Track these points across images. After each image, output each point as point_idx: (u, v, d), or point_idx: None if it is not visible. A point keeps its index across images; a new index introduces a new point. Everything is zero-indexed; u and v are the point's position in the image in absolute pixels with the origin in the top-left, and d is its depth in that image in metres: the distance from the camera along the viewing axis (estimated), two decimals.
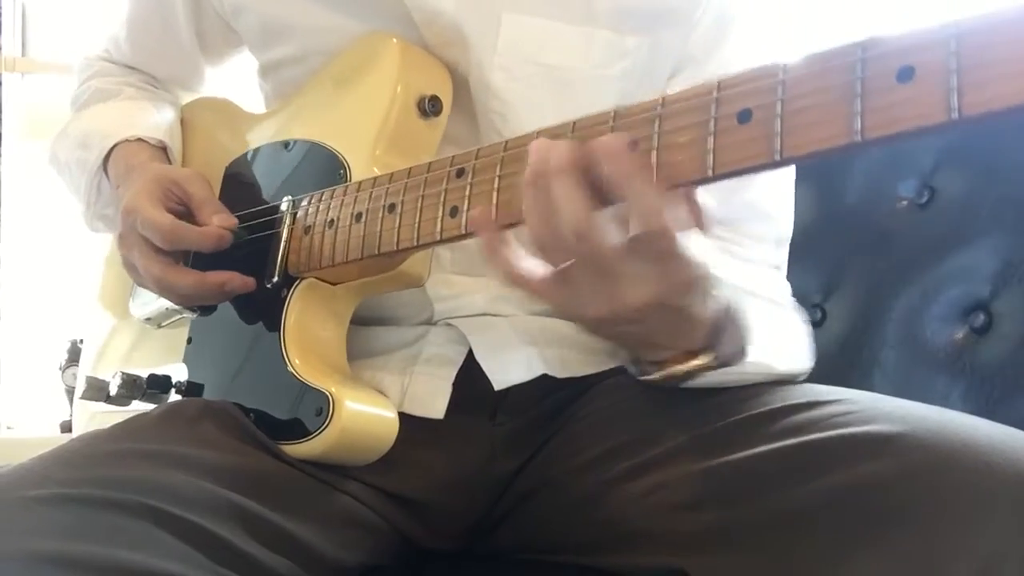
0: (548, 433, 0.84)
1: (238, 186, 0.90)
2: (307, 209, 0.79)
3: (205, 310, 0.87)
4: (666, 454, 0.73)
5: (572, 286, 0.59)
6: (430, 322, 0.84)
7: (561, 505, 0.79)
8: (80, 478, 0.62)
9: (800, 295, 1.17)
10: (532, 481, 0.83)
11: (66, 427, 2.12)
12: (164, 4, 0.97)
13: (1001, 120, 0.43)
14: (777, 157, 0.50)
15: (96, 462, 0.65)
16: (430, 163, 0.69)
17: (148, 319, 0.94)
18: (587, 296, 0.59)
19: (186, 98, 1.06)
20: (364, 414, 0.74)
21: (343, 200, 0.76)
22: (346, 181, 0.79)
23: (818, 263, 1.19)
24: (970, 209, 1.05)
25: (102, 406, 0.89)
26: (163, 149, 0.96)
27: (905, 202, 1.12)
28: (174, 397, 0.86)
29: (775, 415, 0.69)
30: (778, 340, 0.76)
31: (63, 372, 2.03)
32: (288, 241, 0.80)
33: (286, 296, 0.79)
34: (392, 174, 0.72)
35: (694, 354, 0.66)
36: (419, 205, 0.68)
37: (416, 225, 0.68)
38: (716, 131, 0.53)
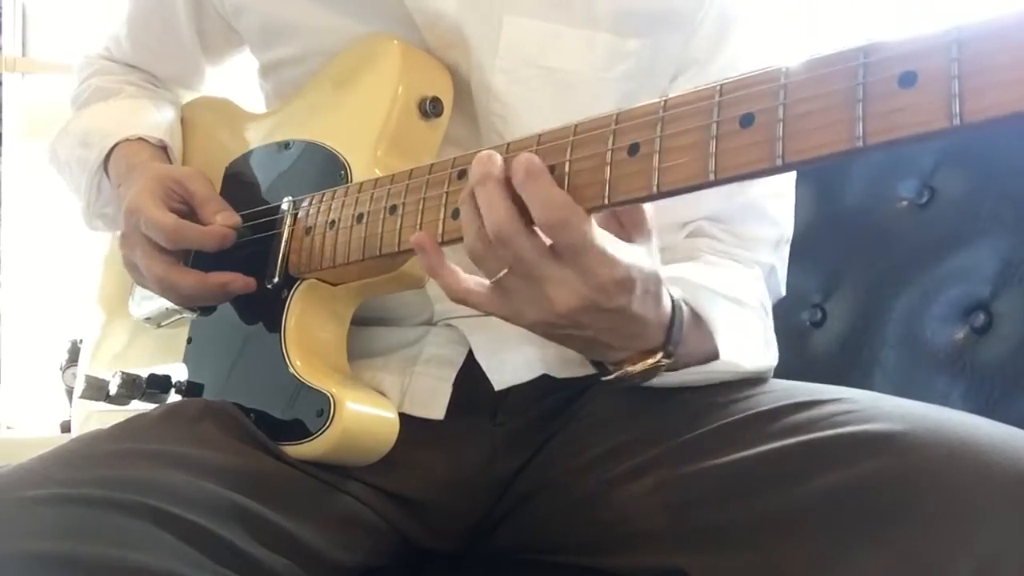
0: (548, 433, 0.84)
1: (238, 186, 0.90)
2: (308, 210, 0.79)
3: (205, 310, 0.87)
4: (666, 454, 0.73)
5: (508, 296, 0.63)
6: (430, 322, 0.84)
7: (561, 505, 0.79)
8: (80, 478, 0.62)
9: (800, 295, 1.17)
10: (532, 481, 0.83)
11: (66, 427, 2.12)
12: (165, 3, 0.97)
13: (1002, 126, 0.43)
14: (779, 162, 0.50)
15: (96, 462, 0.65)
16: (432, 165, 0.69)
17: (148, 319, 0.94)
18: (523, 304, 0.62)
19: (186, 97, 1.06)
20: (365, 415, 0.74)
21: (344, 201, 0.76)
22: (347, 182, 0.78)
23: (818, 263, 1.19)
24: (970, 209, 1.05)
25: (100, 405, 0.89)
26: (163, 148, 0.96)
27: (905, 202, 1.12)
28: (174, 397, 0.86)
29: (775, 414, 0.69)
30: (743, 338, 0.77)
31: (63, 372, 2.02)
32: (289, 242, 0.80)
33: (287, 297, 0.79)
34: (393, 175, 0.72)
35: (649, 353, 0.68)
36: (421, 207, 0.68)
37: (417, 226, 0.68)
38: (718, 135, 0.53)
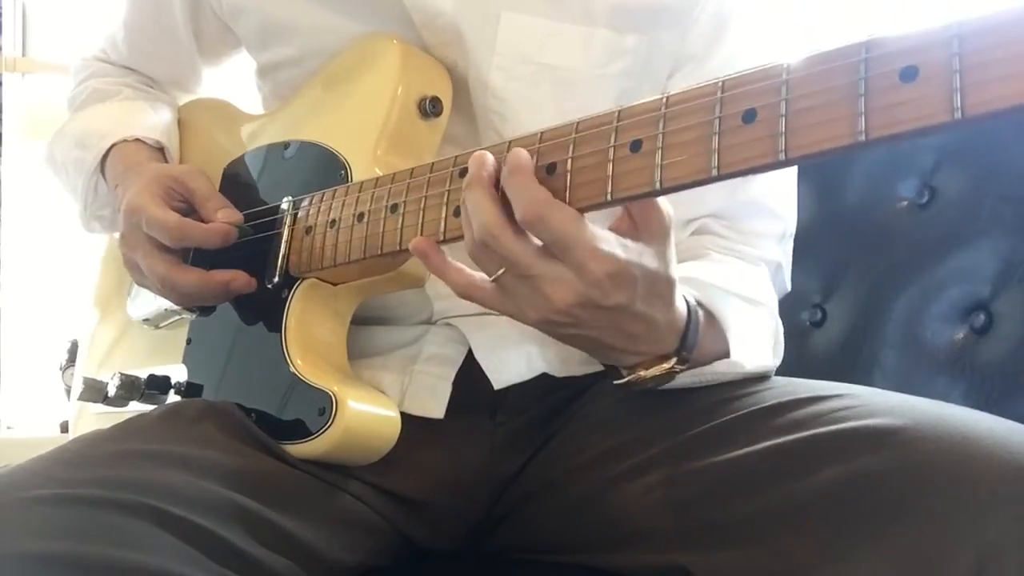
0: (548, 432, 0.84)
1: (237, 187, 0.90)
2: (308, 209, 0.79)
3: (204, 311, 0.87)
4: (666, 452, 0.73)
5: (508, 293, 0.63)
6: (429, 321, 0.84)
7: (562, 504, 0.79)
8: (81, 478, 0.62)
9: (800, 295, 1.17)
10: (533, 481, 0.83)
11: (66, 427, 2.11)
12: (162, 5, 0.97)
13: (1003, 120, 0.43)
14: (782, 157, 0.50)
15: (97, 462, 0.65)
16: (433, 163, 0.69)
17: (146, 320, 0.94)
18: (523, 301, 0.63)
19: (183, 100, 1.06)
20: (367, 414, 0.74)
21: (344, 200, 0.75)
22: (347, 181, 0.78)
23: (818, 263, 1.19)
24: (970, 209, 1.05)
25: (98, 407, 0.89)
26: (161, 150, 0.96)
27: (905, 202, 1.12)
28: (172, 398, 0.86)
29: (775, 411, 0.69)
30: (754, 338, 0.77)
31: (63, 372, 2.02)
32: (289, 241, 0.80)
33: (287, 296, 0.79)
34: (394, 174, 0.72)
35: (664, 358, 0.68)
36: (422, 205, 0.68)
37: (419, 225, 0.68)
38: (721, 131, 0.53)
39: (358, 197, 0.74)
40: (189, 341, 0.88)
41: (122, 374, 0.86)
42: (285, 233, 0.80)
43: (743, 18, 0.84)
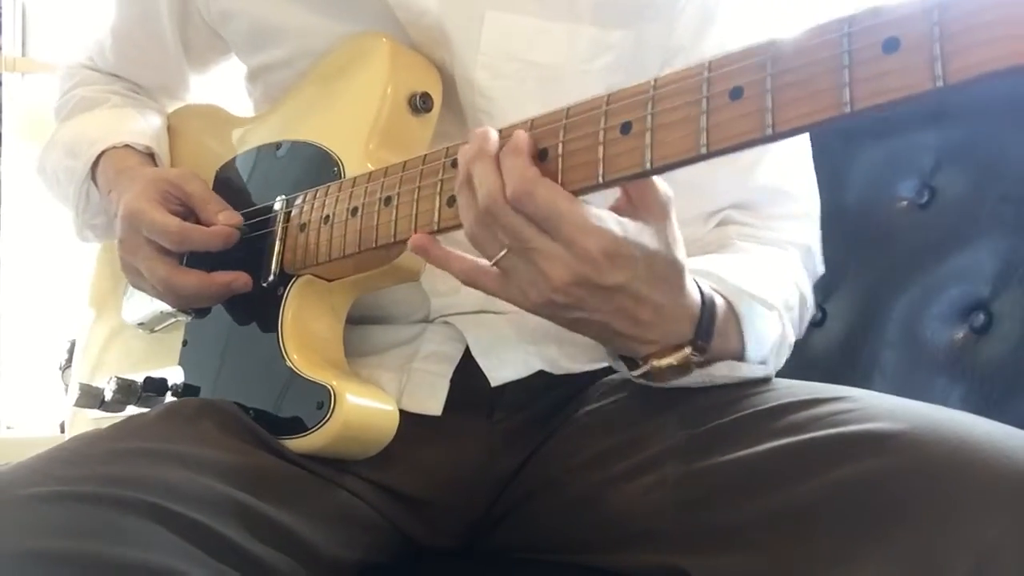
0: (547, 431, 0.84)
1: (230, 189, 0.90)
2: (301, 207, 0.80)
3: (200, 312, 0.87)
4: (665, 453, 0.73)
5: (510, 277, 0.64)
6: (427, 320, 0.84)
7: (561, 504, 0.79)
8: (80, 476, 0.62)
9: None
10: (532, 479, 0.83)
11: (64, 428, 2.12)
12: (150, 12, 0.97)
13: (984, 84, 0.44)
14: (769, 132, 0.51)
15: (95, 460, 0.65)
16: (425, 155, 0.70)
17: (141, 324, 0.94)
18: (525, 284, 0.63)
19: (172, 107, 1.06)
20: (365, 407, 0.75)
21: (338, 196, 0.76)
22: (340, 178, 0.79)
23: None
24: (970, 209, 1.05)
25: (95, 413, 0.89)
26: (151, 155, 0.96)
27: (905, 202, 1.12)
28: (169, 400, 0.86)
29: (774, 413, 0.69)
30: (762, 345, 0.76)
31: (63, 372, 2.03)
32: (283, 239, 0.80)
33: (283, 294, 0.79)
34: (387, 168, 0.72)
35: (678, 348, 0.68)
36: (415, 196, 0.69)
37: (413, 216, 0.69)
38: (709, 109, 0.54)
39: (351, 192, 0.75)
40: (185, 343, 0.88)
41: (118, 378, 0.87)
42: (279, 231, 0.81)
43: (729, 7, 0.84)
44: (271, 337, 0.78)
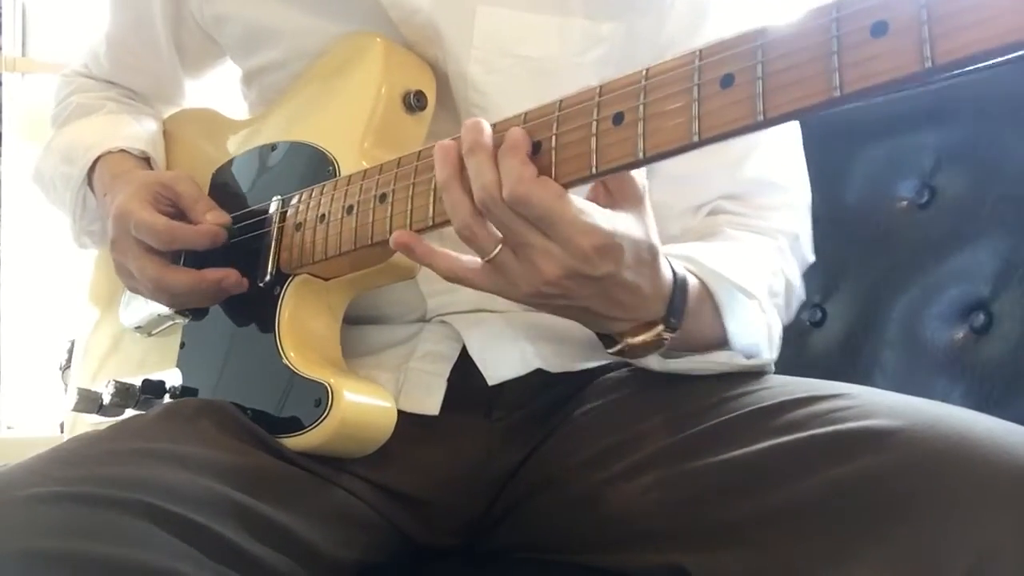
0: (546, 430, 0.84)
1: (226, 191, 0.90)
2: (297, 207, 0.80)
3: (197, 314, 0.87)
4: (664, 451, 0.73)
5: (500, 271, 0.64)
6: (424, 319, 0.84)
7: (560, 503, 0.79)
8: (78, 476, 0.62)
9: None
10: (531, 478, 0.83)
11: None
12: (143, 18, 0.97)
13: (972, 65, 0.45)
14: (760, 118, 0.52)
15: (94, 460, 0.65)
16: (420, 151, 0.70)
17: (138, 327, 0.94)
18: (516, 276, 0.64)
19: (167, 112, 1.06)
20: (363, 404, 0.75)
21: (333, 195, 0.76)
22: (336, 177, 0.79)
23: (818, 263, 1.18)
24: (970, 209, 1.05)
25: (93, 418, 0.89)
26: (147, 160, 0.96)
27: (905, 202, 1.12)
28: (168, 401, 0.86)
29: (773, 411, 0.69)
30: (748, 330, 0.77)
31: (63, 372, 2.03)
32: (279, 239, 0.80)
33: (279, 293, 0.79)
34: (381, 165, 0.73)
35: (651, 325, 0.69)
36: (410, 193, 0.69)
37: (408, 212, 0.69)
38: (700, 97, 0.54)
39: (347, 190, 0.75)
40: (183, 345, 0.88)
41: (116, 382, 0.87)
42: (275, 231, 0.81)
43: (721, 3, 0.84)
44: (268, 336, 0.78)
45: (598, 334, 0.73)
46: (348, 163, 0.79)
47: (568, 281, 0.63)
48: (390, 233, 0.70)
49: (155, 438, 0.70)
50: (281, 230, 0.81)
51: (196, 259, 0.84)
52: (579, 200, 0.61)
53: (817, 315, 1.18)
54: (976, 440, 0.58)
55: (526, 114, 0.63)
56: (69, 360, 1.97)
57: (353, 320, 0.83)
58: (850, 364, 1.11)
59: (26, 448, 0.73)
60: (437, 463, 0.81)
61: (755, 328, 0.77)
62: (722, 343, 0.76)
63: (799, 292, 0.88)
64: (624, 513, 0.73)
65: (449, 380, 0.81)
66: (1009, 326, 0.98)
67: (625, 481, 0.74)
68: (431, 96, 0.81)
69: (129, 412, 0.87)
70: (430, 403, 0.80)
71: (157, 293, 0.83)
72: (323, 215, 0.76)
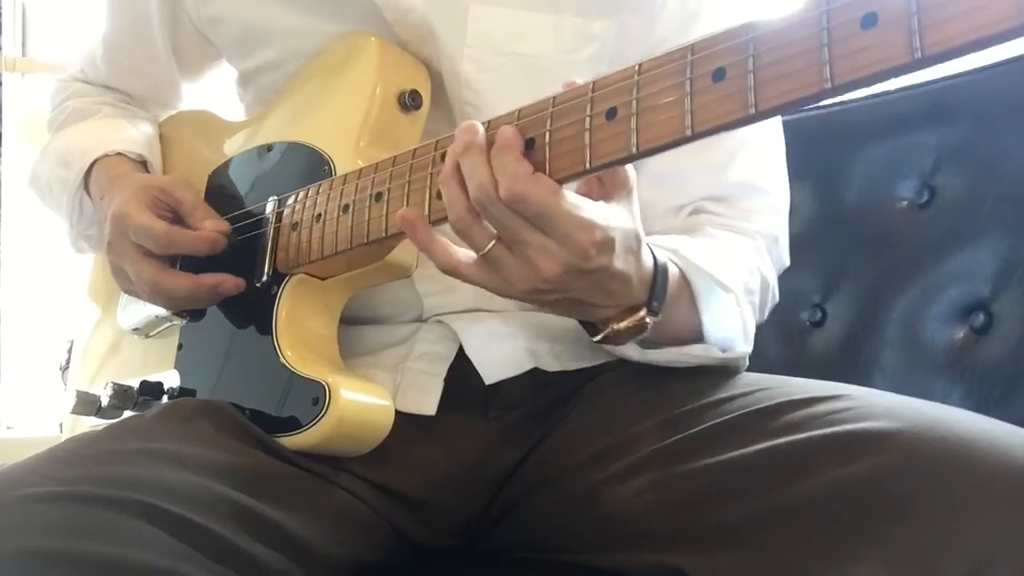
0: (543, 429, 0.84)
1: (222, 192, 0.90)
2: (293, 207, 0.80)
3: (195, 316, 0.87)
4: (661, 452, 0.73)
5: (497, 267, 0.64)
6: (420, 319, 0.85)
7: (558, 503, 0.79)
8: (76, 476, 0.62)
9: (800, 295, 1.17)
10: (529, 478, 0.83)
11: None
12: (140, 21, 0.97)
13: (961, 56, 0.45)
14: (752, 111, 0.52)
15: (92, 460, 0.65)
16: (415, 149, 0.70)
17: (136, 329, 0.94)
18: (511, 274, 0.64)
19: (164, 116, 1.06)
20: (360, 402, 0.75)
21: (329, 194, 0.76)
22: (331, 177, 0.79)
23: (818, 263, 1.19)
24: (970, 209, 1.05)
25: (91, 420, 0.89)
26: (143, 163, 0.96)
27: (905, 202, 1.12)
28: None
29: (771, 412, 0.69)
30: (723, 322, 0.78)
31: (63, 372, 2.02)
32: (276, 239, 0.81)
33: (276, 293, 0.79)
34: (377, 164, 0.73)
35: (634, 310, 0.69)
36: (406, 191, 0.70)
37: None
38: (692, 91, 0.55)
39: (342, 189, 0.75)
40: (180, 346, 0.88)
41: (114, 384, 0.87)
42: (271, 231, 0.81)
43: (713, 3, 0.84)
44: (266, 336, 0.78)
45: (581, 322, 0.73)
46: (344, 163, 0.79)
47: (565, 277, 0.63)
48: (385, 231, 0.70)
49: (153, 438, 0.70)
50: (278, 230, 0.81)
51: (193, 262, 0.84)
52: (572, 195, 0.62)
53: (817, 315, 1.18)
54: (974, 442, 0.58)
55: (520, 111, 0.64)
56: (69, 360, 1.97)
57: (350, 320, 0.83)
58: (850, 364, 1.11)
59: (26, 448, 0.73)
60: (434, 463, 0.81)
61: (729, 323, 0.78)
62: (697, 335, 0.77)
63: (774, 292, 0.89)
64: (621, 513, 0.73)
65: (446, 380, 0.81)
66: (1009, 326, 0.98)
67: (622, 482, 0.74)
68: (426, 96, 0.82)
69: (127, 414, 0.87)
70: (427, 403, 0.80)
71: (154, 296, 0.83)
72: (319, 214, 0.76)
